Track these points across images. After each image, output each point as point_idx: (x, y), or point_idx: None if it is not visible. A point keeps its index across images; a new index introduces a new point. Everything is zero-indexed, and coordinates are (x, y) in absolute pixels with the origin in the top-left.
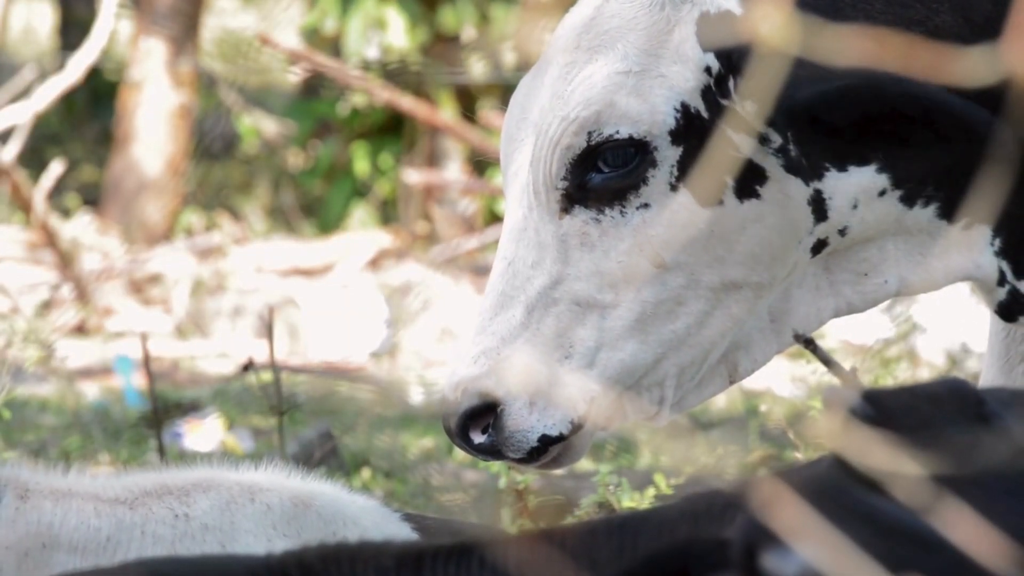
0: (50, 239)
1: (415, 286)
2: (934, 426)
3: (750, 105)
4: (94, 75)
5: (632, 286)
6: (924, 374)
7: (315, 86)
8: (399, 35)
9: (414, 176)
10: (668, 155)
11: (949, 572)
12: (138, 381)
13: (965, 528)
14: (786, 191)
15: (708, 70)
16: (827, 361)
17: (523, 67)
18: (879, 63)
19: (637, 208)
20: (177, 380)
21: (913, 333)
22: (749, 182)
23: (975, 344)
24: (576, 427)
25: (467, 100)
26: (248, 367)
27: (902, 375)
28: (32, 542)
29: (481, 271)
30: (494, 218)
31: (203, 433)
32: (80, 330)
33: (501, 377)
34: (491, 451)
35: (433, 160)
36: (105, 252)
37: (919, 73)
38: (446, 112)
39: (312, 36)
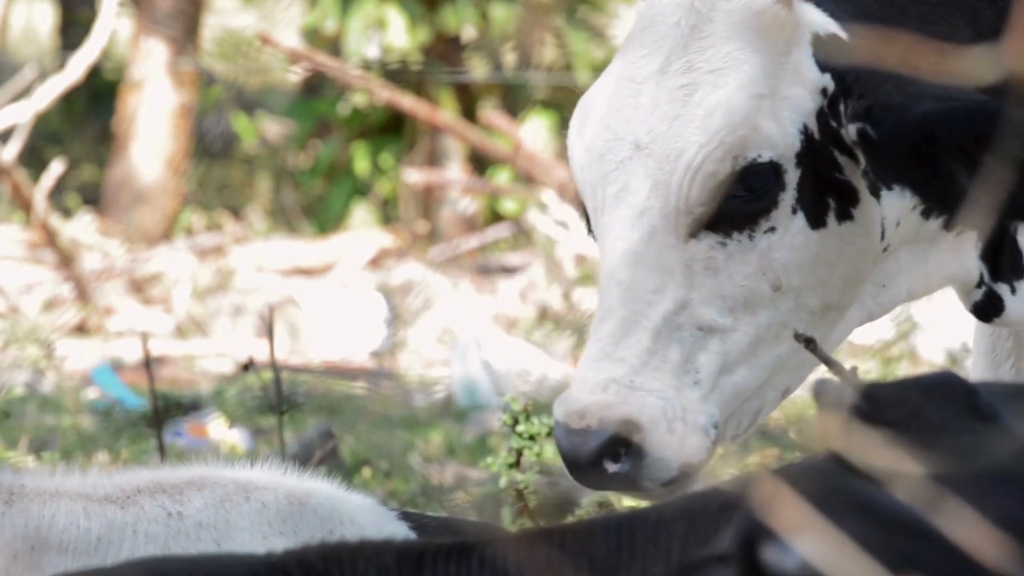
0: (50, 239)
1: (415, 286)
2: (924, 417)
3: (855, 126)
4: (94, 75)
5: (750, 311)
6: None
7: (315, 86)
8: (399, 35)
9: (414, 175)
10: (793, 178)
11: (944, 562)
12: (129, 382)
13: (958, 518)
14: (869, 212)
15: (824, 91)
16: (827, 361)
17: (523, 67)
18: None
19: (765, 232)
20: (178, 379)
21: (913, 333)
22: (846, 204)
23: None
24: (711, 453)
25: (467, 100)
26: (248, 366)
27: (902, 374)
28: (20, 545)
29: (482, 271)
30: (495, 217)
31: (210, 434)
32: (80, 330)
33: (642, 406)
34: (625, 480)
35: (434, 159)
36: (105, 252)
37: (927, 74)
38: (446, 112)
39: (312, 36)
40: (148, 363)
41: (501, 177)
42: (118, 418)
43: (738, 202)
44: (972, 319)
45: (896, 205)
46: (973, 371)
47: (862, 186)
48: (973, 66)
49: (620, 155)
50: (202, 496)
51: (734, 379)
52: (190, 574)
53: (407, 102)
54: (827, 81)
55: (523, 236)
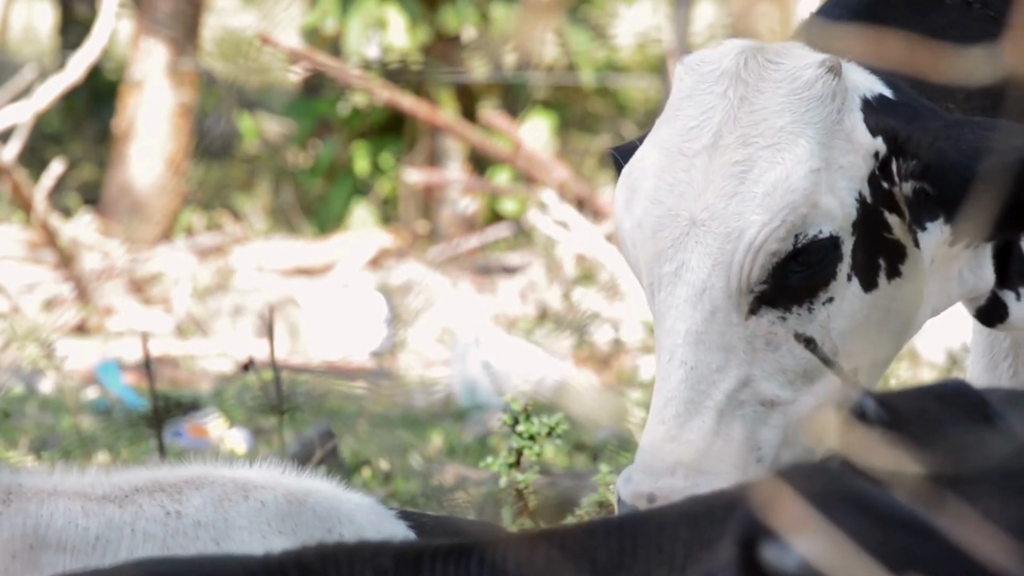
0: (50, 238)
1: (416, 285)
2: (944, 428)
3: (910, 184)
4: (95, 74)
5: (809, 381)
6: (925, 373)
7: (315, 85)
8: (399, 35)
9: (414, 175)
10: (849, 246)
11: (944, 560)
12: (129, 382)
13: (972, 526)
14: (916, 263)
15: (876, 155)
16: (827, 361)
17: (523, 67)
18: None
19: (823, 303)
20: (177, 379)
21: None
22: (895, 261)
23: None
24: None
25: (468, 100)
26: (248, 366)
27: (903, 375)
28: (19, 544)
29: (482, 271)
30: (495, 217)
31: (210, 434)
32: (80, 330)
33: (710, 489)
34: None
35: (434, 159)
36: (105, 252)
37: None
38: (446, 111)
39: (312, 36)
40: (148, 363)
41: (501, 177)
42: (118, 418)
43: (798, 277)
44: (972, 319)
45: (932, 243)
46: (971, 370)
47: (909, 241)
48: (973, 66)
49: (675, 232)
50: (201, 495)
51: (794, 451)
52: (188, 575)
53: (407, 102)
54: (879, 144)
55: (523, 236)
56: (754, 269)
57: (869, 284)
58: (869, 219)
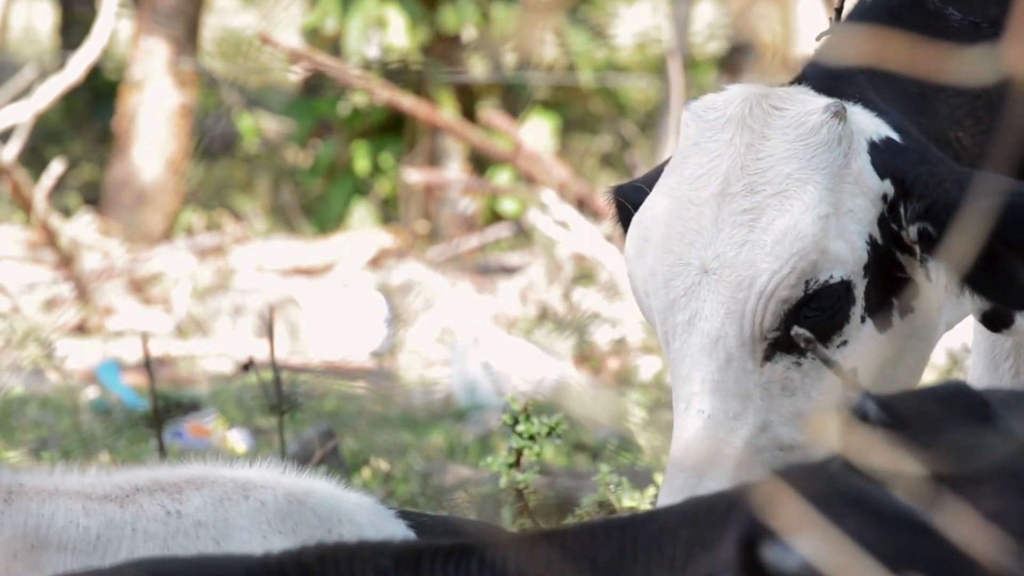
0: (50, 238)
1: (416, 285)
2: (945, 430)
3: (915, 227)
4: (95, 74)
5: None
6: (925, 374)
7: (316, 85)
8: (400, 35)
9: (415, 175)
10: (861, 289)
11: (944, 560)
12: (129, 382)
13: (972, 526)
14: (928, 297)
15: (885, 197)
16: (828, 361)
17: (523, 67)
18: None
19: (838, 346)
20: (177, 379)
21: None
22: (908, 299)
23: None
24: None
25: (468, 99)
26: (248, 366)
27: None
28: (20, 544)
29: (481, 271)
30: (495, 217)
31: (210, 434)
32: (80, 329)
33: None
34: None
35: (434, 159)
36: (105, 251)
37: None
38: (446, 111)
39: (312, 35)
40: (148, 363)
41: (501, 177)
42: (118, 418)
43: (811, 322)
44: (972, 320)
45: (944, 271)
46: (972, 371)
47: (921, 277)
48: (973, 67)
49: (687, 281)
50: (201, 495)
51: None
52: (188, 574)
53: (407, 102)
54: (887, 187)
55: (523, 236)
56: (766, 317)
57: (883, 324)
58: (881, 260)
